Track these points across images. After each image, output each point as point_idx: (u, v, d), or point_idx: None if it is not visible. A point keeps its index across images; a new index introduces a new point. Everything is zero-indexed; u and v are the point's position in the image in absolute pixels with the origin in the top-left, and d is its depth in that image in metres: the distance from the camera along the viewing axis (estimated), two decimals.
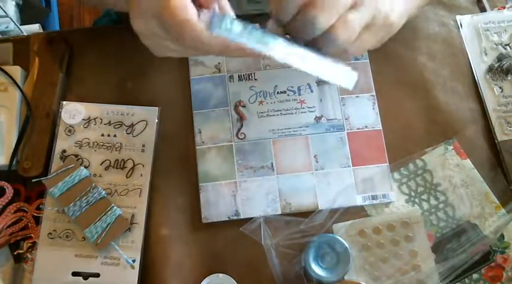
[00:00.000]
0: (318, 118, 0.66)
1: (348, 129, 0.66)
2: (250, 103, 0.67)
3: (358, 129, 0.66)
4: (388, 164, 0.65)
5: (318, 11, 0.44)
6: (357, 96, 0.67)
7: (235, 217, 0.63)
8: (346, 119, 0.67)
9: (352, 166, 0.65)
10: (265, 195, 0.64)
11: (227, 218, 0.63)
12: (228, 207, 0.63)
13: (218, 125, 0.66)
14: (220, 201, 0.63)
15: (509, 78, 0.69)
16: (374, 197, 0.64)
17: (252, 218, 0.62)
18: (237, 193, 0.64)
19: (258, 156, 0.65)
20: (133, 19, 0.47)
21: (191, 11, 0.44)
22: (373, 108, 0.67)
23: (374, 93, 0.67)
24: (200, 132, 0.66)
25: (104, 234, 0.60)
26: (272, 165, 0.65)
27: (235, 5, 0.67)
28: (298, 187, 0.64)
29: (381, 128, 0.66)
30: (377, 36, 0.51)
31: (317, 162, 0.65)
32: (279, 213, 0.63)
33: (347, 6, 0.45)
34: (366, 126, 0.67)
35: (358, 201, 0.63)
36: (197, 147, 0.65)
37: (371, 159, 0.65)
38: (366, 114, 0.67)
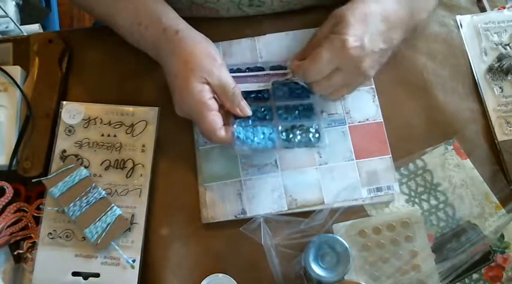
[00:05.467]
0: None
1: (349, 123, 0.66)
2: None
3: (359, 122, 0.67)
4: (390, 156, 0.65)
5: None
6: (357, 90, 0.67)
7: (242, 216, 0.63)
8: (347, 113, 0.67)
9: (356, 159, 0.65)
10: (270, 192, 0.64)
11: (234, 217, 0.63)
12: (234, 206, 0.63)
13: None
14: (226, 200, 0.63)
15: (509, 78, 0.69)
16: (379, 189, 0.64)
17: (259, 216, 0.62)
18: (243, 192, 0.64)
19: (261, 154, 0.65)
20: (176, 109, 0.61)
21: (219, 124, 0.59)
22: (373, 101, 0.67)
23: (373, 86, 0.67)
24: None
25: (104, 234, 0.60)
26: (276, 162, 0.65)
27: (236, 7, 0.68)
28: (303, 183, 0.64)
29: (382, 120, 0.67)
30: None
31: (320, 156, 0.65)
32: (286, 209, 0.63)
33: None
34: (367, 119, 0.67)
35: (364, 193, 0.64)
36: (200, 148, 0.65)
37: (374, 151, 0.65)
38: (366, 107, 0.67)
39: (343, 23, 0.58)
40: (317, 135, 0.62)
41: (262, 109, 0.63)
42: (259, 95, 0.64)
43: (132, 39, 0.63)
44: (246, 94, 0.63)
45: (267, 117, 0.63)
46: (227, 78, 0.60)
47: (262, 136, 0.61)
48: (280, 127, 0.62)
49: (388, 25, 0.60)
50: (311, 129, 0.62)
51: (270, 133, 0.62)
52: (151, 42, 0.61)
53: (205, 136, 0.60)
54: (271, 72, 0.65)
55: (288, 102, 0.64)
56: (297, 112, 0.64)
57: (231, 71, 0.64)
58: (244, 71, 0.66)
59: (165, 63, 0.61)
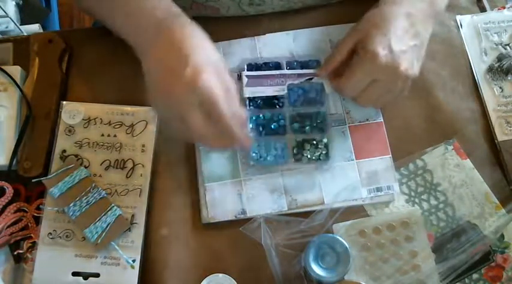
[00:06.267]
0: None
1: (349, 123, 0.66)
2: None
3: (359, 122, 0.67)
4: (390, 156, 0.65)
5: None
6: None
7: (242, 216, 0.63)
8: (347, 113, 0.67)
9: (356, 159, 0.65)
10: (270, 192, 0.64)
11: (234, 217, 0.63)
12: (234, 206, 0.63)
13: None
14: (226, 200, 0.63)
15: (509, 78, 0.69)
16: (379, 189, 0.64)
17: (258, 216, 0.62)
18: (243, 192, 0.64)
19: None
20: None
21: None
22: None
23: None
24: None
25: (104, 234, 0.60)
26: None
27: (236, 6, 0.68)
28: (303, 183, 0.64)
29: (382, 120, 0.67)
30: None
31: None
32: (286, 209, 0.63)
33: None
34: (367, 119, 0.67)
35: (364, 194, 0.64)
36: (200, 148, 0.65)
37: (374, 151, 0.65)
38: (366, 107, 0.67)
39: (367, 37, 0.58)
40: (325, 152, 0.64)
41: (277, 118, 0.65)
42: (274, 101, 0.65)
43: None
44: (262, 100, 0.65)
45: (280, 130, 0.65)
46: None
47: (274, 152, 0.63)
48: (292, 143, 0.64)
49: (411, 20, 0.59)
50: (320, 145, 0.64)
51: (282, 149, 0.64)
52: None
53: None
54: (287, 72, 0.66)
55: (303, 108, 0.65)
56: (309, 122, 0.65)
57: (249, 67, 0.66)
58: (261, 66, 0.66)
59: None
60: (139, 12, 0.58)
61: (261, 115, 0.65)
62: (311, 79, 0.65)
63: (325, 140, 0.64)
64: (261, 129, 0.65)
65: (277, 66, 0.67)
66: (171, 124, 0.57)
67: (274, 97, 0.65)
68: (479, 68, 0.70)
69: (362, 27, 0.60)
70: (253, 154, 0.64)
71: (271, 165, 0.64)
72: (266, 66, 0.67)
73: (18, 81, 0.66)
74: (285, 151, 0.64)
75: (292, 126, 0.65)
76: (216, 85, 0.53)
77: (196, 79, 0.52)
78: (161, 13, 0.56)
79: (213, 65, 0.54)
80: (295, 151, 0.64)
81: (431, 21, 0.62)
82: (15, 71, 0.67)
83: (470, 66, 0.70)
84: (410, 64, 0.59)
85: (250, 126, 0.65)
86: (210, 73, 0.53)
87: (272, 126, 0.65)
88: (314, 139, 0.64)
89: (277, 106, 0.65)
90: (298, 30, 0.70)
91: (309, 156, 0.64)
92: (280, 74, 0.66)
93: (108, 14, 0.63)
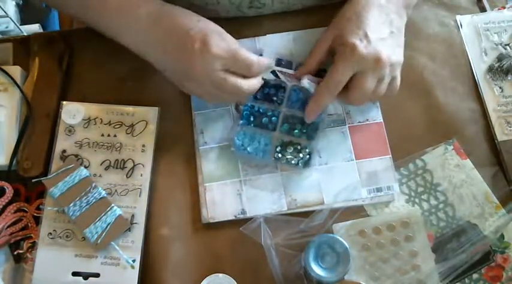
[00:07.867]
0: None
1: (349, 123, 0.66)
2: None
3: (359, 122, 0.67)
4: (390, 156, 0.65)
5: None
6: None
7: (241, 216, 0.63)
8: (346, 114, 0.67)
9: (356, 159, 0.65)
10: (270, 192, 0.64)
11: (234, 217, 0.63)
12: (234, 206, 0.63)
13: (220, 125, 0.66)
14: (226, 200, 0.63)
15: (509, 78, 0.69)
16: (379, 189, 0.64)
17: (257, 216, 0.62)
18: (242, 192, 0.64)
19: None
20: (187, 83, 0.60)
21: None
22: (373, 101, 0.67)
23: None
24: (202, 133, 0.66)
25: (104, 234, 0.60)
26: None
27: (236, 9, 0.68)
28: (303, 183, 0.64)
29: (382, 120, 0.67)
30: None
31: (320, 157, 0.65)
32: (285, 209, 0.63)
33: None
34: (367, 120, 0.67)
35: (363, 194, 0.64)
36: (200, 148, 0.65)
37: (374, 151, 0.65)
38: (366, 107, 0.67)
39: (342, 33, 0.59)
40: (307, 158, 0.64)
41: (271, 114, 0.65)
42: (274, 98, 0.65)
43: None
44: (261, 93, 0.65)
45: (270, 126, 0.64)
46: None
47: (257, 145, 0.64)
48: (277, 142, 0.64)
49: (384, 11, 0.60)
50: (303, 152, 0.64)
51: (266, 144, 0.64)
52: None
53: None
54: (292, 72, 0.66)
55: (299, 112, 0.65)
56: (300, 126, 0.65)
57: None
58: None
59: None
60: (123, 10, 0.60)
61: (256, 106, 0.65)
62: None
63: (310, 148, 0.64)
64: (252, 118, 0.65)
65: (288, 65, 0.67)
66: (212, 96, 0.60)
67: (275, 94, 0.65)
68: (479, 67, 0.70)
69: (337, 25, 0.61)
70: (237, 141, 0.64)
71: (249, 157, 0.64)
72: (278, 62, 0.67)
73: (18, 81, 0.66)
74: (267, 147, 0.64)
75: (283, 126, 0.65)
76: (226, 43, 0.57)
77: (209, 49, 0.55)
78: (148, 7, 0.59)
79: (214, 30, 0.57)
80: (277, 149, 0.64)
81: (404, 11, 0.63)
82: (15, 70, 0.67)
83: (470, 66, 0.70)
84: (391, 50, 0.59)
85: (243, 112, 0.65)
86: (215, 37, 0.56)
87: (263, 120, 0.65)
88: (299, 144, 0.64)
89: (276, 103, 0.65)
90: (298, 31, 0.70)
91: (288, 159, 0.64)
92: (289, 74, 0.66)
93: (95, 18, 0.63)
